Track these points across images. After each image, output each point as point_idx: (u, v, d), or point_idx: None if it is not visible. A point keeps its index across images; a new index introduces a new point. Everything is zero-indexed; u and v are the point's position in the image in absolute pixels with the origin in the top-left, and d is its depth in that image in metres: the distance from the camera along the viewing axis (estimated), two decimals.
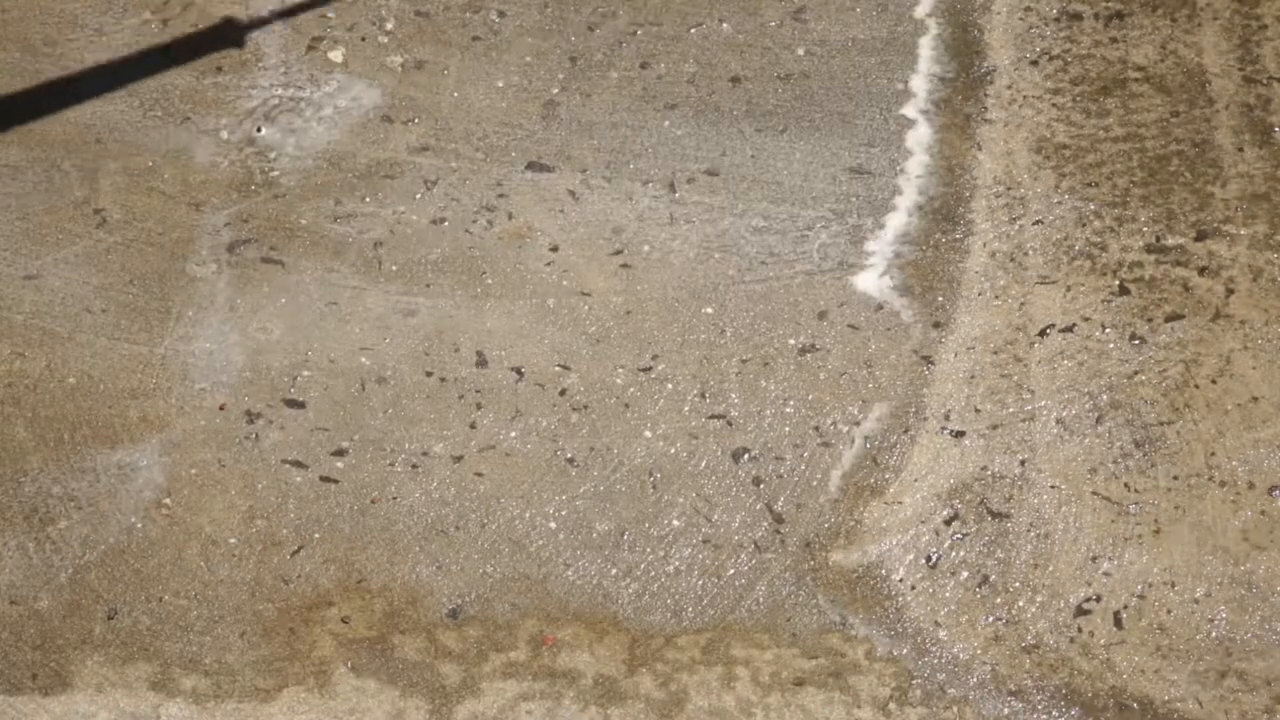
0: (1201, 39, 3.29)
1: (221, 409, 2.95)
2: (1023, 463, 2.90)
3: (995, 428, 2.93)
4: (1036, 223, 3.11)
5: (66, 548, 2.83)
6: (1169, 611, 2.78)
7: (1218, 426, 2.92)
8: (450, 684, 2.74)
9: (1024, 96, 3.27)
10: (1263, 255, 3.07)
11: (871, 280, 3.06)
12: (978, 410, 2.94)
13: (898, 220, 3.12)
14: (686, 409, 2.94)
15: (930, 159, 3.17)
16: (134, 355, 2.99)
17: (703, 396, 2.96)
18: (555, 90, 3.25)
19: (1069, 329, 3.01)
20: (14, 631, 2.77)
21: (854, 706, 2.71)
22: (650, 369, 2.98)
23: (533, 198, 3.14)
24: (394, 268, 3.08)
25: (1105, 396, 2.95)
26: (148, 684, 2.74)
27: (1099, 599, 2.79)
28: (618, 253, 3.09)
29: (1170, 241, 3.08)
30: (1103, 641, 2.76)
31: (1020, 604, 2.79)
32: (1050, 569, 2.81)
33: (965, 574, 2.81)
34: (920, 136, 3.21)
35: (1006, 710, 2.71)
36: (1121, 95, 3.25)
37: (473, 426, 2.93)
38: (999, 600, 2.79)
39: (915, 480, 2.89)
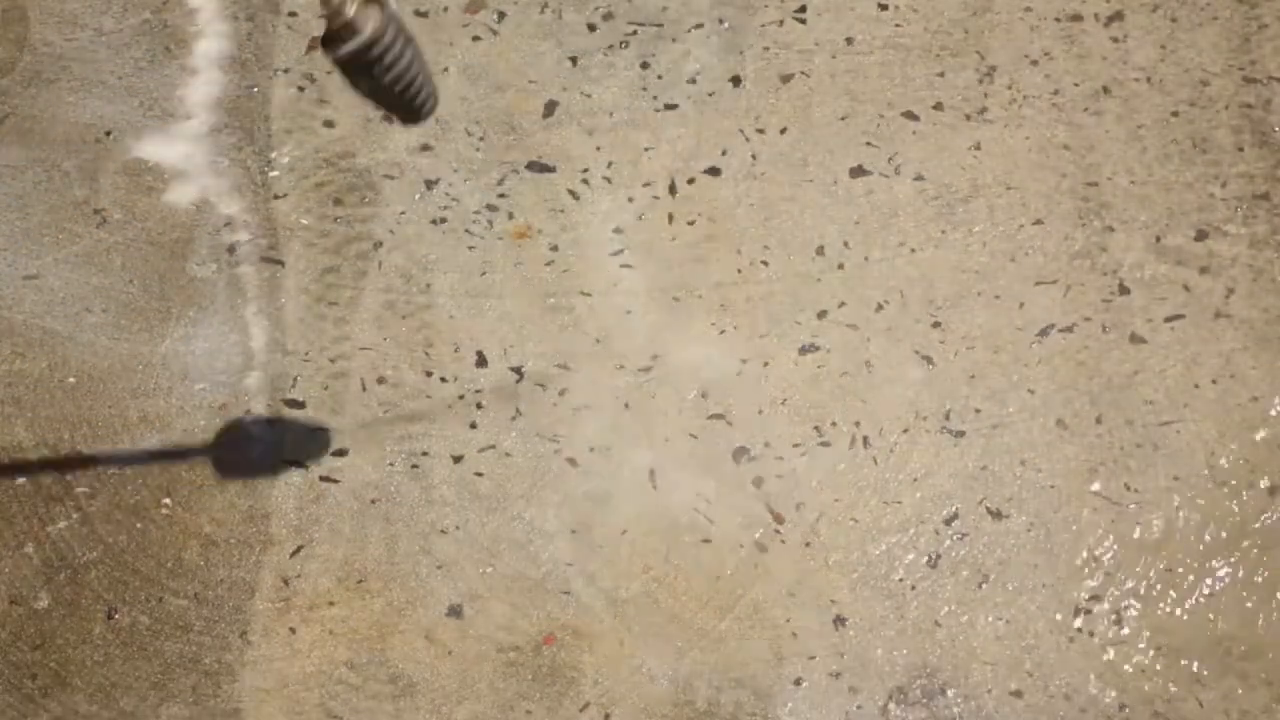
0: (1201, 39, 3.29)
1: (222, 409, 2.95)
2: (1023, 463, 2.89)
3: (995, 428, 2.93)
4: (1036, 222, 3.11)
5: (66, 547, 2.83)
6: (1169, 611, 2.78)
7: (1218, 426, 2.92)
8: (450, 684, 2.74)
9: (1025, 96, 3.27)
10: (1263, 255, 3.07)
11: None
12: (978, 410, 2.94)
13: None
14: (686, 409, 2.94)
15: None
16: (134, 355, 3.00)
17: (703, 396, 2.95)
18: (555, 90, 3.24)
19: (1069, 329, 3.01)
20: (14, 631, 2.77)
21: (852, 705, 2.72)
22: (650, 369, 2.98)
23: (533, 198, 3.14)
24: (394, 268, 3.08)
25: (1105, 396, 2.95)
26: (148, 684, 2.74)
27: (1099, 599, 2.79)
28: (618, 253, 3.09)
29: (1170, 241, 3.08)
30: (1103, 641, 2.76)
31: (1020, 604, 2.79)
32: (1050, 569, 2.81)
33: (965, 573, 2.81)
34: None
35: (1007, 710, 2.71)
36: (1122, 95, 3.25)
37: (473, 426, 2.93)
38: (999, 600, 2.79)
39: (915, 480, 2.89)
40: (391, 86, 1.99)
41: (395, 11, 1.97)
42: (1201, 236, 3.09)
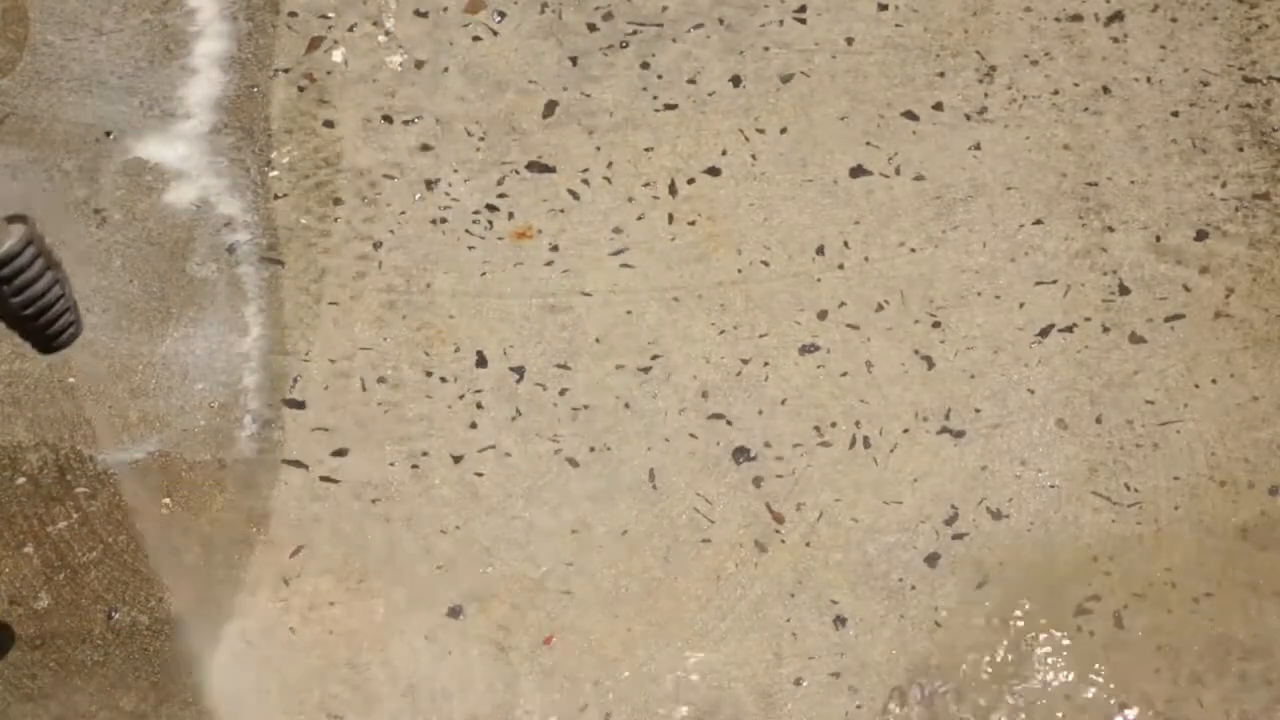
0: (1201, 39, 3.29)
1: (222, 409, 2.95)
2: (1023, 463, 2.89)
3: (995, 427, 2.93)
4: (1036, 222, 3.11)
5: (66, 547, 2.83)
6: (1169, 611, 2.77)
7: (1218, 426, 2.92)
8: (450, 684, 2.74)
9: (1024, 96, 3.26)
10: (1263, 255, 3.07)
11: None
12: (978, 410, 2.94)
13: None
14: (686, 409, 2.94)
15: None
16: (134, 355, 3.00)
17: (703, 396, 2.95)
18: (555, 90, 3.25)
19: (1069, 329, 3.01)
20: (13, 632, 2.77)
21: (852, 705, 2.71)
22: (650, 369, 2.98)
23: (533, 198, 3.14)
24: (394, 268, 3.08)
25: (1105, 396, 2.95)
26: (148, 683, 2.74)
27: (1099, 599, 2.79)
28: (618, 253, 3.09)
29: (1170, 241, 3.09)
30: (1103, 641, 2.76)
31: (1020, 603, 2.79)
32: (1050, 569, 2.81)
33: (965, 573, 2.81)
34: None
35: (1008, 710, 2.71)
36: (1123, 94, 3.25)
37: (473, 426, 2.93)
38: (998, 600, 2.79)
39: (915, 480, 2.89)
40: (21, 310, 1.89)
41: (38, 234, 1.88)
42: (1201, 236, 3.09)
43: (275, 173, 3.17)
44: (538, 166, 3.17)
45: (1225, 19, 3.31)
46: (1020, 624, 2.77)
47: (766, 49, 3.29)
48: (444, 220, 3.12)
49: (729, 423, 2.93)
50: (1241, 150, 3.17)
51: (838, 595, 2.80)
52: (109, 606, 2.79)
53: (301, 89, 3.26)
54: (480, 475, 2.89)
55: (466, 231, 3.11)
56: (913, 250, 3.08)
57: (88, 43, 3.31)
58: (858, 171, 3.16)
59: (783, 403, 2.95)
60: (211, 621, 2.78)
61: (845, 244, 3.09)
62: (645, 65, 3.27)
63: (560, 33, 3.31)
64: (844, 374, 2.97)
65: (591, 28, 3.31)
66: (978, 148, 3.19)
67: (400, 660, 2.76)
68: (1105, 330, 3.01)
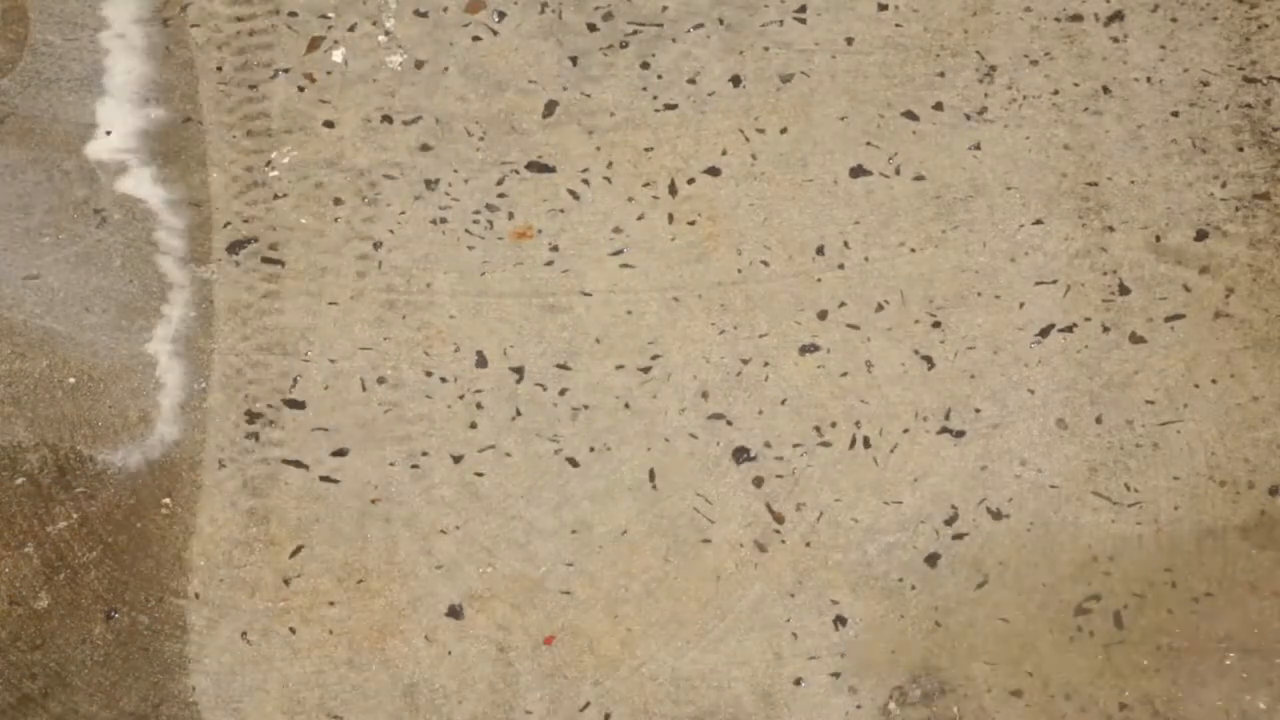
0: (1201, 39, 3.29)
1: (221, 408, 2.95)
2: (1023, 463, 2.90)
3: (995, 427, 2.93)
4: (1036, 222, 3.11)
5: (66, 547, 2.83)
6: (1169, 611, 2.78)
7: (1218, 426, 2.92)
8: (450, 684, 2.74)
9: (1025, 96, 3.26)
10: (1263, 255, 3.07)
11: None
12: (978, 410, 2.94)
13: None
14: (686, 409, 2.94)
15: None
16: (135, 355, 3.00)
17: (703, 396, 2.95)
18: (555, 90, 3.25)
19: (1069, 329, 3.01)
20: (14, 631, 2.77)
21: (852, 705, 2.72)
22: (650, 369, 2.98)
23: (533, 198, 3.14)
24: (394, 268, 3.08)
25: (1105, 396, 2.95)
26: (148, 684, 2.74)
27: (1099, 598, 2.79)
28: (618, 253, 3.09)
29: (1170, 241, 3.09)
30: (1103, 641, 2.76)
31: (1020, 604, 2.79)
32: (1050, 569, 2.81)
33: (965, 573, 2.81)
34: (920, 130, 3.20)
35: (1007, 710, 2.71)
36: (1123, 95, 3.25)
37: (473, 426, 2.93)
38: (999, 600, 2.79)
39: (915, 480, 2.89)
40: None
41: None
42: (1201, 236, 3.09)
43: (275, 173, 3.17)
44: (538, 166, 3.17)
45: (1225, 19, 3.31)
46: (1020, 624, 2.77)
47: (766, 49, 3.29)
48: (444, 220, 3.12)
49: (729, 423, 2.93)
50: (1241, 150, 3.17)
51: (838, 595, 2.80)
52: (109, 606, 2.79)
53: (301, 89, 3.26)
54: (480, 475, 2.90)
55: (466, 231, 3.11)
56: (913, 250, 3.08)
57: (88, 42, 3.31)
58: (858, 171, 3.16)
59: (783, 403, 2.95)
60: (211, 621, 2.78)
61: (845, 244, 3.09)
62: (645, 65, 3.27)
63: (560, 33, 3.31)
64: (844, 374, 2.97)
65: (591, 28, 3.31)
66: (978, 148, 3.19)
67: (400, 660, 2.76)
68: (1105, 330, 3.01)
